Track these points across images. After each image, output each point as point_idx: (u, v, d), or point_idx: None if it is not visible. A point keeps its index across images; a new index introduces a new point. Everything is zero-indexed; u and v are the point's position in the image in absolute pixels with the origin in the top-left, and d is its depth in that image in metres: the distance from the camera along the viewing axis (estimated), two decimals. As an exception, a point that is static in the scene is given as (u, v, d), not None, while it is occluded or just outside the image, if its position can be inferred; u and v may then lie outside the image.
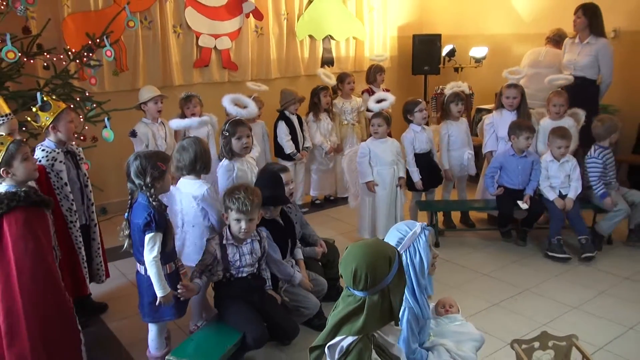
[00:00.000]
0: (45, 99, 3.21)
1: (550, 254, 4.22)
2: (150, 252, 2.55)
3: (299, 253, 3.34)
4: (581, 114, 4.69)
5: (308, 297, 3.16)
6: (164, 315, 2.72)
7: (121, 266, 4.12)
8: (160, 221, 2.59)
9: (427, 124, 4.73)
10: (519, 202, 4.34)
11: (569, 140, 4.27)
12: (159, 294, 2.60)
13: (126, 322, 3.43)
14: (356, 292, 1.76)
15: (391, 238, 2.17)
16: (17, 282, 2.45)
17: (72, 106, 4.00)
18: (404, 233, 2.16)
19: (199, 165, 3.06)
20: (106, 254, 3.58)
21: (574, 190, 4.30)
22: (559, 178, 4.34)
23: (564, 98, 4.60)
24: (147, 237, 2.55)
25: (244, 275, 2.88)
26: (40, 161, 3.07)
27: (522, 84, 5.48)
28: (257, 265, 2.94)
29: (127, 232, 2.67)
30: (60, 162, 3.15)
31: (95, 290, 3.64)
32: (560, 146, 4.27)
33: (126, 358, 3.11)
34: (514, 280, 3.90)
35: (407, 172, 4.54)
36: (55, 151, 3.14)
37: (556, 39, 5.48)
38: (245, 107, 3.85)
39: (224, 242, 2.84)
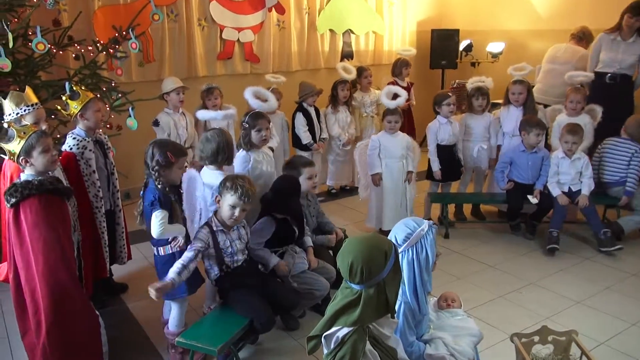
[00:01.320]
0: (74, 88, 3.37)
1: (548, 246, 4.28)
2: (157, 224, 2.73)
3: (309, 241, 3.43)
4: (598, 110, 4.70)
5: (318, 279, 3.25)
6: (178, 292, 2.88)
7: (143, 248, 4.30)
8: (165, 203, 2.77)
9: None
10: (529, 197, 4.42)
11: (578, 137, 4.29)
12: (180, 235, 2.83)
13: (144, 302, 3.56)
14: (353, 285, 1.79)
15: (399, 232, 2.22)
16: (35, 267, 2.56)
17: (98, 96, 4.20)
18: (412, 229, 2.20)
19: (221, 156, 3.17)
20: (129, 237, 3.75)
21: (587, 187, 4.34)
22: (569, 175, 4.38)
23: (582, 95, 4.63)
24: (154, 214, 2.74)
25: (240, 263, 2.96)
26: (71, 148, 3.24)
27: (538, 80, 5.54)
28: (247, 251, 3.04)
29: (140, 209, 2.87)
30: (90, 150, 3.30)
31: (117, 271, 3.83)
32: (568, 141, 4.30)
33: (142, 335, 3.28)
34: (520, 273, 3.97)
35: (429, 162, 4.66)
36: (85, 140, 3.29)
37: (579, 36, 5.48)
38: (265, 100, 3.96)
39: (214, 228, 2.87)
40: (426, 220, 2.26)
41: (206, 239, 2.84)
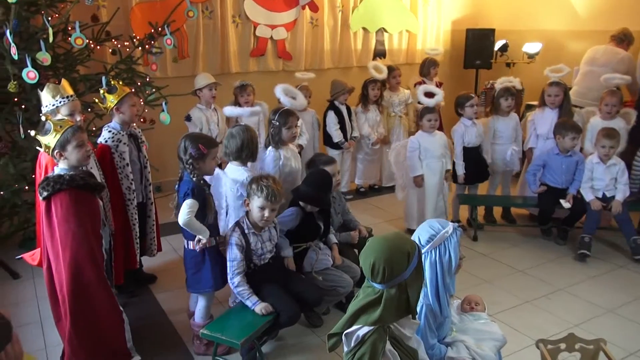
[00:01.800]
0: (112, 82, 3.46)
1: (580, 251, 4.20)
2: (184, 212, 2.77)
3: (334, 238, 3.44)
4: (633, 114, 4.60)
5: (342, 276, 3.26)
6: (204, 286, 2.95)
7: (173, 241, 4.38)
8: (199, 194, 2.81)
9: (476, 118, 4.76)
10: (562, 201, 4.33)
11: (615, 141, 4.19)
12: (202, 237, 2.85)
13: (171, 293, 3.68)
14: (375, 285, 1.79)
15: (422, 233, 2.20)
16: (62, 260, 2.62)
17: (133, 90, 4.29)
18: (437, 230, 2.17)
19: (245, 153, 3.19)
20: (160, 229, 3.83)
21: (621, 193, 4.23)
22: (603, 180, 4.28)
23: (617, 98, 4.52)
24: (184, 203, 2.78)
25: (267, 261, 2.99)
26: (106, 141, 3.33)
27: (575, 82, 5.42)
28: (275, 250, 3.07)
29: (175, 202, 2.91)
30: (124, 143, 3.38)
31: (147, 262, 3.91)
32: (605, 145, 4.19)
33: (168, 326, 3.35)
34: (549, 279, 3.90)
35: (453, 164, 4.60)
36: (120, 133, 3.38)
37: (620, 38, 5.34)
38: (294, 97, 3.99)
39: (246, 231, 2.89)
40: (451, 223, 2.23)
41: (241, 242, 2.87)
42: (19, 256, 3.16)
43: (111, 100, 3.37)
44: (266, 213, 2.85)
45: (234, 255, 2.85)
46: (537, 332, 3.09)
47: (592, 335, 2.66)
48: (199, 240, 2.87)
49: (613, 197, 4.26)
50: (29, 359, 1.16)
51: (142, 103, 4.40)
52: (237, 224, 2.93)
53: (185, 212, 2.78)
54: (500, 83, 4.87)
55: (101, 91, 3.43)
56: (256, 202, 2.85)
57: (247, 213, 2.94)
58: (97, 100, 3.56)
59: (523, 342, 3.07)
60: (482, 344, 2.28)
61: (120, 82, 3.55)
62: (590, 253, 4.17)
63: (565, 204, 4.33)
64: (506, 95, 4.71)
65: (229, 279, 2.86)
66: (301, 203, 3.24)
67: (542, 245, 4.51)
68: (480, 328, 2.41)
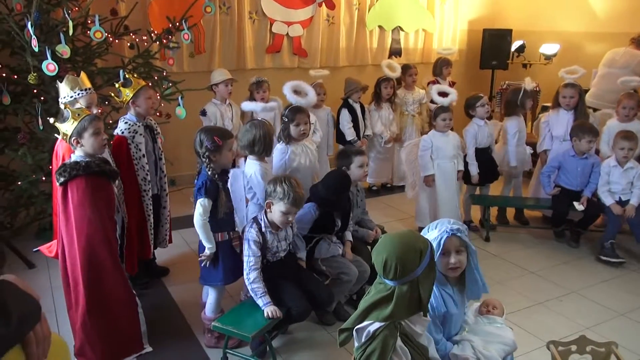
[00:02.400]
0: (127, 76, 3.50)
1: (603, 257, 4.17)
2: (197, 213, 2.82)
3: (349, 235, 3.44)
4: None
5: (347, 264, 3.26)
6: (215, 279, 2.98)
7: (186, 234, 4.42)
8: (212, 189, 2.84)
9: (490, 118, 4.74)
10: (575, 203, 4.30)
11: (633, 143, 4.14)
12: (207, 247, 2.88)
13: (184, 286, 3.71)
14: (386, 281, 1.81)
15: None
16: (77, 244, 2.69)
17: (149, 84, 4.33)
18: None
19: (258, 147, 3.19)
20: (172, 222, 3.86)
21: (636, 197, 4.18)
22: (620, 184, 4.23)
23: (635, 101, 4.47)
24: (197, 203, 2.83)
25: (280, 258, 3.00)
26: (122, 132, 3.36)
27: (593, 84, 5.37)
28: (289, 247, 3.07)
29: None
30: (140, 134, 3.41)
31: (160, 255, 3.95)
32: (624, 147, 4.14)
33: (180, 318, 3.38)
34: (562, 281, 3.88)
35: (465, 165, 4.58)
36: (136, 124, 3.41)
37: None
38: (305, 94, 3.99)
39: (263, 229, 2.89)
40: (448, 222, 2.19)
41: (259, 239, 2.87)
42: (36, 249, 3.21)
43: (127, 93, 3.40)
44: (290, 217, 2.87)
45: (252, 251, 2.85)
46: (548, 333, 3.07)
47: (604, 338, 2.64)
48: (204, 252, 2.92)
49: (628, 200, 4.22)
50: (57, 342, 1.18)
51: (158, 97, 4.44)
52: (255, 220, 2.93)
53: (198, 214, 2.83)
54: (528, 84, 4.78)
55: (117, 85, 3.47)
56: (280, 207, 2.83)
57: (266, 211, 2.92)
58: (113, 94, 3.60)
59: (534, 344, 3.06)
60: (489, 346, 2.27)
61: (135, 75, 3.58)
62: (622, 258, 4.16)
63: (579, 207, 4.29)
64: (532, 97, 4.68)
65: (245, 274, 2.86)
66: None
67: (555, 248, 4.49)
68: (492, 331, 2.39)
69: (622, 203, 4.23)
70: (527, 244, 4.58)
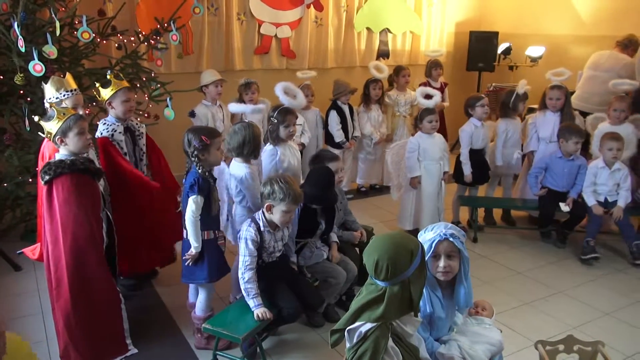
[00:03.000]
0: (108, 77, 3.45)
1: (582, 257, 4.23)
2: (189, 210, 2.82)
3: (334, 236, 3.45)
4: None
5: (333, 267, 3.27)
6: (198, 277, 2.96)
7: (174, 236, 4.39)
8: (204, 187, 2.84)
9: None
10: (561, 204, 4.35)
11: (621, 143, 4.19)
12: (193, 245, 2.87)
13: (173, 288, 3.69)
14: (378, 282, 1.81)
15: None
16: (62, 241, 2.69)
17: (137, 85, 4.30)
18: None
19: (246, 149, 3.17)
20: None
21: (623, 199, 4.23)
22: (607, 185, 4.28)
23: (626, 104, 4.52)
24: (190, 199, 2.82)
25: (274, 259, 3.02)
26: (102, 133, 3.34)
27: (578, 86, 5.43)
28: (283, 248, 3.08)
29: (182, 194, 2.96)
30: (120, 132, 3.39)
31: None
32: (612, 148, 4.18)
33: (170, 320, 3.36)
34: (549, 281, 3.92)
35: (455, 165, 4.60)
36: (115, 124, 3.39)
37: (625, 44, 5.37)
38: (294, 96, 4.00)
39: (262, 228, 2.90)
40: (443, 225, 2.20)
41: (257, 238, 2.87)
42: (20, 251, 3.20)
43: (104, 94, 3.37)
44: (291, 215, 2.89)
45: (249, 250, 2.85)
46: (536, 333, 3.09)
47: (591, 337, 2.68)
48: (189, 251, 2.91)
49: (615, 202, 4.26)
50: (18, 343, 1.18)
51: (146, 98, 4.41)
52: (253, 220, 2.92)
53: (191, 211, 2.82)
54: (521, 87, 4.79)
55: (97, 85, 3.45)
56: (282, 207, 2.83)
57: (264, 211, 2.92)
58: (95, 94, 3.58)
59: (521, 344, 3.08)
60: (476, 346, 2.29)
61: (120, 76, 3.54)
62: (600, 254, 4.22)
63: (565, 208, 4.34)
64: (524, 100, 4.73)
65: (239, 273, 2.86)
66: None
67: (542, 248, 4.53)
68: (479, 332, 2.41)
69: (608, 204, 4.28)
70: (514, 244, 4.62)
